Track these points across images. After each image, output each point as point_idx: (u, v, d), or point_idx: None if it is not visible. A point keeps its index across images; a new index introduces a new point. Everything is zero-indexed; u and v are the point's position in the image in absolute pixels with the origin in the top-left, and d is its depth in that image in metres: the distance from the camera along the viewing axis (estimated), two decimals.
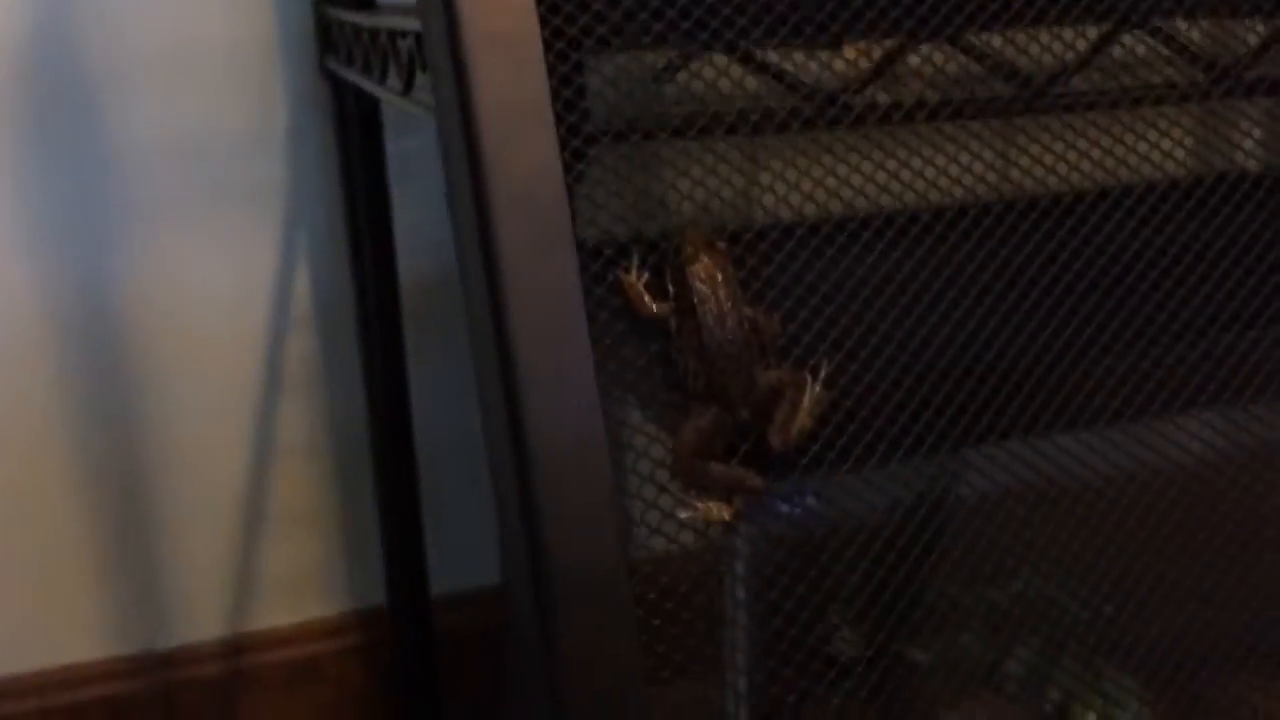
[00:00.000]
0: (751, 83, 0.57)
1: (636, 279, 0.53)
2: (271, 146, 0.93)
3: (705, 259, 0.52)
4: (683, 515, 0.51)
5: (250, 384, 0.98)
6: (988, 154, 0.59)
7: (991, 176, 0.60)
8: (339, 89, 0.90)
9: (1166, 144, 0.58)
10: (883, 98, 0.59)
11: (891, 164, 0.58)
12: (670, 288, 0.53)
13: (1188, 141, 0.61)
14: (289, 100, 0.93)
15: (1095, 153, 0.58)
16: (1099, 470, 0.56)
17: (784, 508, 0.53)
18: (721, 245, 0.54)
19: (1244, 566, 0.59)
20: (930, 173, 0.58)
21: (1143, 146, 0.58)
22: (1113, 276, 0.55)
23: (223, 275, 0.95)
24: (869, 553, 0.58)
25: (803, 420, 0.52)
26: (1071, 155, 0.58)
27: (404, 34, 0.62)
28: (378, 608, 1.03)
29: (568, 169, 0.43)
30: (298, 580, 1.03)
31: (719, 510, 0.51)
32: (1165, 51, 0.63)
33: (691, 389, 0.52)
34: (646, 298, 0.53)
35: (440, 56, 0.43)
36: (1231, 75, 0.61)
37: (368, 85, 0.76)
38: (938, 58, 0.59)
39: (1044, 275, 0.56)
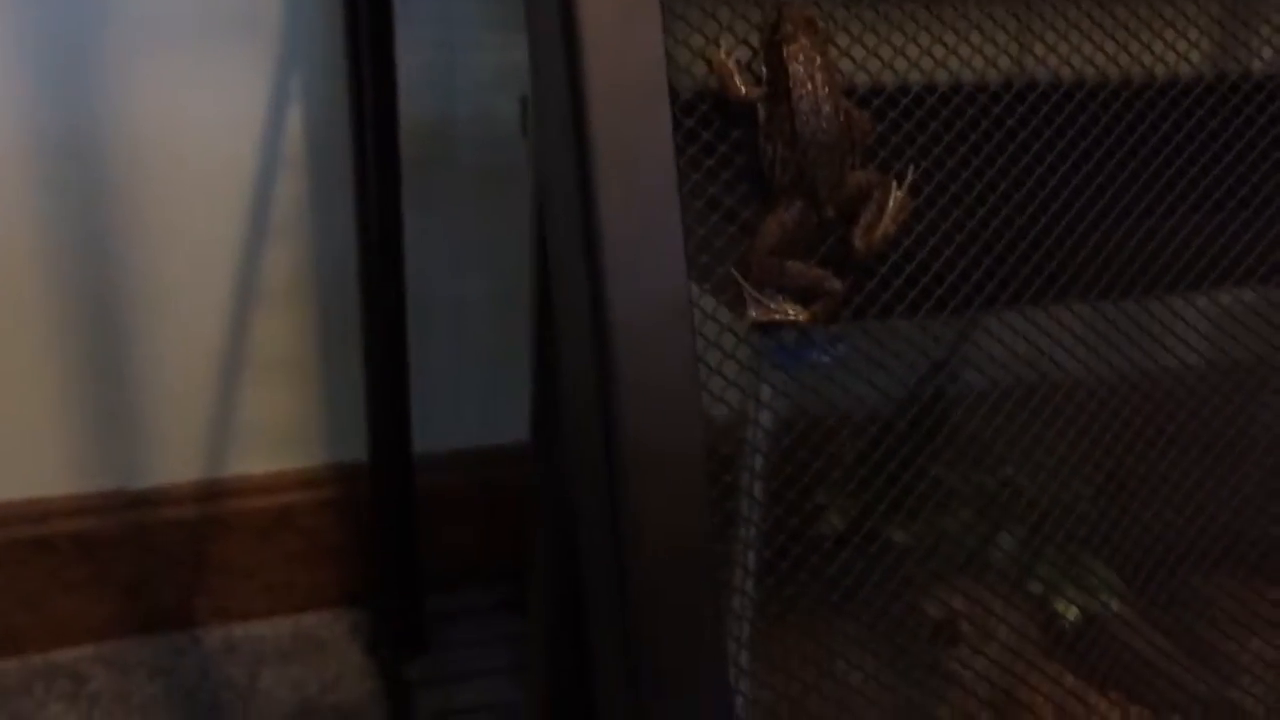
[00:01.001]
0: None
1: (728, 57, 0.51)
2: None
3: (804, 39, 0.50)
4: (753, 314, 0.50)
5: (236, 224, 1.00)
6: (1002, 36, 0.61)
7: (1008, 58, 0.61)
8: None
9: (1189, 37, 0.60)
10: None
11: (898, 41, 0.58)
12: (764, 69, 0.51)
13: (1204, 43, 0.63)
14: None
15: (1111, 45, 0.60)
16: (1101, 350, 0.60)
17: (815, 355, 0.54)
18: (822, 26, 0.52)
19: (1224, 469, 0.63)
20: (940, 51, 0.59)
21: (1163, 40, 0.60)
22: (1128, 160, 0.57)
23: (212, 107, 0.95)
24: (863, 435, 0.62)
25: (887, 225, 0.51)
26: (1087, 46, 0.59)
27: None
28: (357, 462, 1.07)
29: None
30: (276, 428, 1.06)
31: (794, 311, 0.50)
32: None
33: (777, 181, 0.50)
34: (738, 78, 0.51)
35: None
36: None
37: None
38: None
39: (1062, 155, 0.58)
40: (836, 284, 0.50)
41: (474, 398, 1.10)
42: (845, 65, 0.55)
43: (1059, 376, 0.62)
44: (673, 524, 0.40)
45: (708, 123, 0.50)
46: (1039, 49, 0.61)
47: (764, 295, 0.50)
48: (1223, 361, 0.64)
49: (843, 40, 0.55)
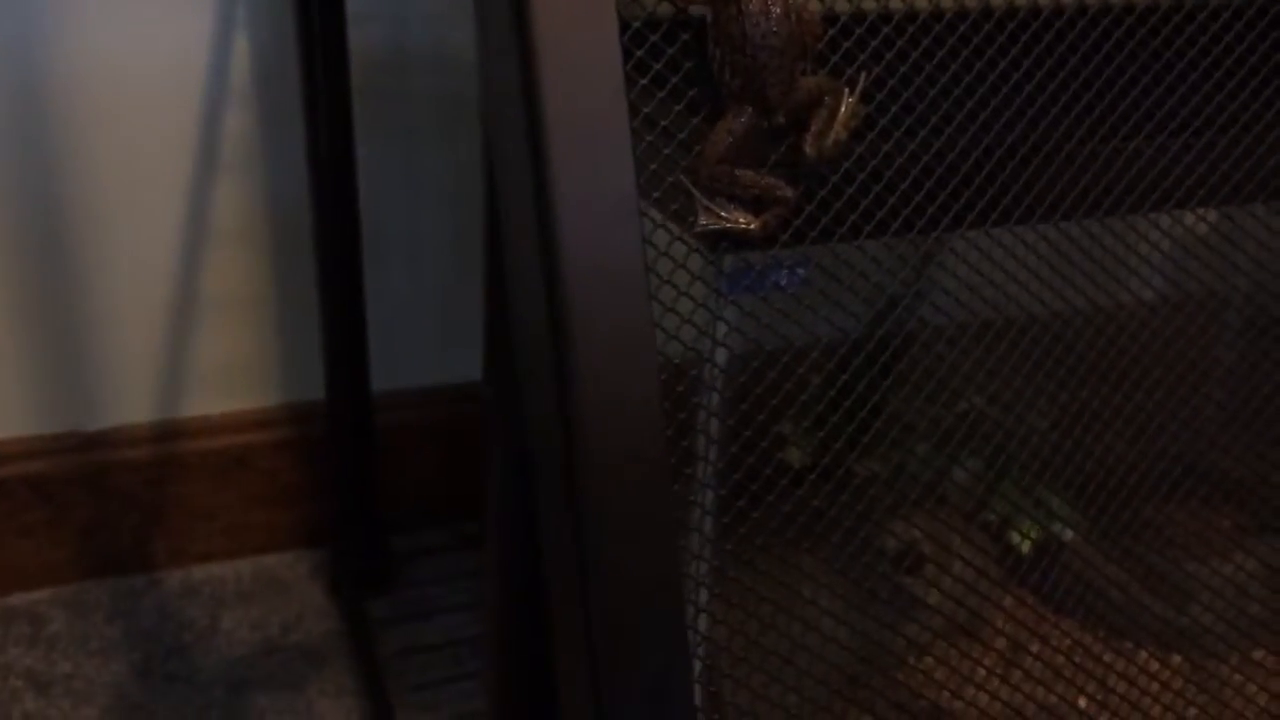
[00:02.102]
0: None
1: None
2: None
3: None
4: (704, 222, 0.50)
5: (184, 159, 0.99)
6: None
7: None
8: None
9: None
10: None
11: None
12: None
13: None
14: None
15: None
16: (1058, 284, 0.61)
17: (774, 277, 0.54)
18: None
19: (1177, 401, 0.66)
20: None
21: None
22: (1089, 84, 0.58)
23: (157, 36, 0.94)
24: (823, 369, 0.64)
25: (838, 131, 0.51)
26: None
27: None
28: (314, 401, 1.08)
29: None
30: (233, 368, 1.06)
31: (745, 219, 0.50)
32: None
33: (726, 86, 0.50)
34: None
35: None
36: None
37: None
38: None
39: (1023, 78, 0.58)
40: (788, 191, 0.50)
41: (432, 333, 1.11)
42: None
43: (1016, 312, 0.64)
44: (628, 458, 0.42)
45: (654, 26, 0.50)
46: None
47: (714, 203, 0.50)
48: (1177, 295, 0.66)
49: None
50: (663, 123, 0.46)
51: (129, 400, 1.04)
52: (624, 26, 0.40)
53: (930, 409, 0.74)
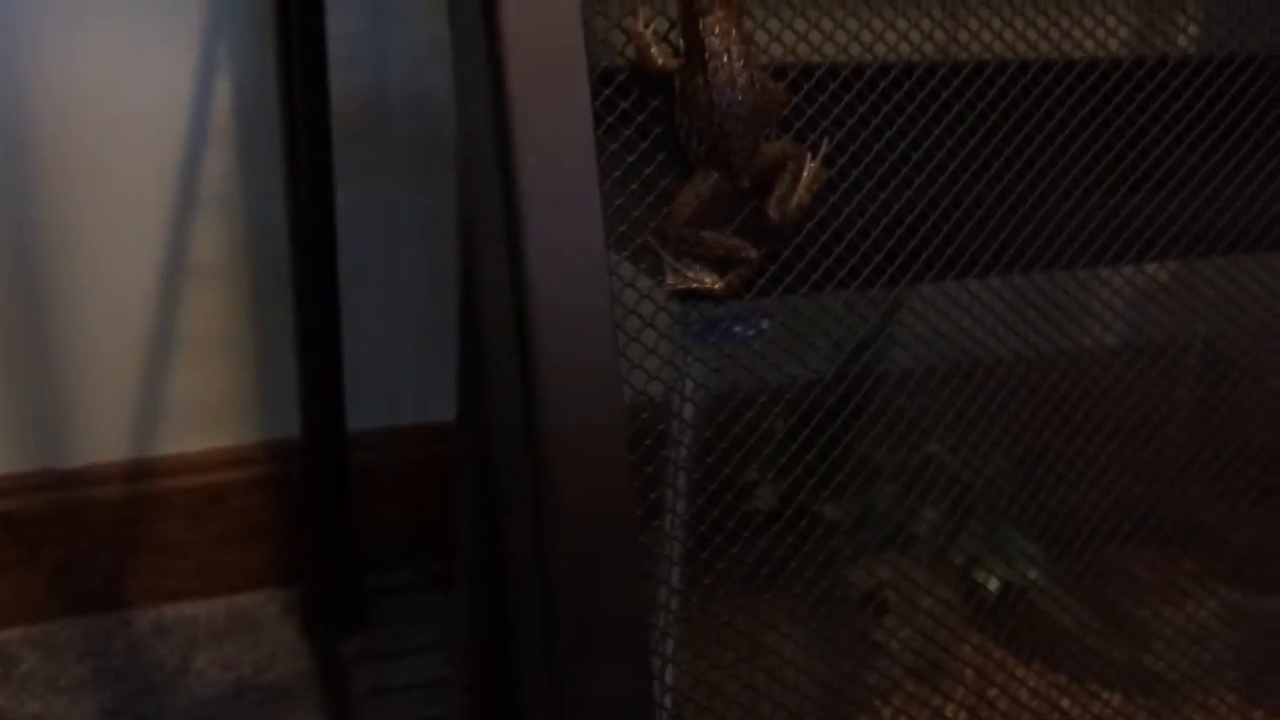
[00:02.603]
0: None
1: (645, 28, 0.53)
2: None
3: (720, 12, 0.52)
4: (670, 282, 0.52)
5: (166, 195, 1.01)
6: (933, 17, 0.64)
7: (938, 39, 0.64)
8: None
9: (1110, 21, 0.64)
10: None
11: (832, 20, 0.61)
12: (680, 41, 0.53)
13: (1127, 25, 0.67)
14: None
15: (1039, 25, 0.63)
16: (1023, 329, 0.63)
17: (738, 329, 0.56)
18: None
19: (1140, 445, 0.67)
20: (869, 36, 0.61)
21: (1087, 22, 0.63)
22: (1051, 140, 0.60)
23: (139, 74, 0.96)
24: (794, 411, 0.65)
25: (801, 195, 0.54)
26: (1017, 25, 0.62)
27: None
28: (289, 439, 1.09)
29: None
30: (208, 406, 1.07)
31: (711, 280, 0.53)
32: None
33: (693, 151, 0.53)
34: (654, 49, 0.53)
35: None
36: None
37: None
38: None
39: (987, 135, 0.61)
40: (752, 253, 0.53)
41: (407, 374, 1.12)
42: (775, 50, 0.58)
43: (982, 355, 0.66)
44: (594, 504, 0.43)
45: (625, 92, 0.53)
46: (969, 27, 0.64)
47: (681, 264, 0.53)
48: (1137, 341, 0.68)
49: (773, 23, 0.58)
50: (631, 186, 0.48)
51: (104, 438, 1.05)
52: (594, 91, 0.42)
53: (896, 453, 0.76)
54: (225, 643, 1.05)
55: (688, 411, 0.57)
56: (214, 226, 1.03)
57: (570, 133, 0.40)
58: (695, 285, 0.52)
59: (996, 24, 0.64)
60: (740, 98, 0.52)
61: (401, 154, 1.04)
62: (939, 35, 0.64)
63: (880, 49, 0.61)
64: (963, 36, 0.64)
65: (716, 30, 0.52)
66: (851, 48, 0.60)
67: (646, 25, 0.53)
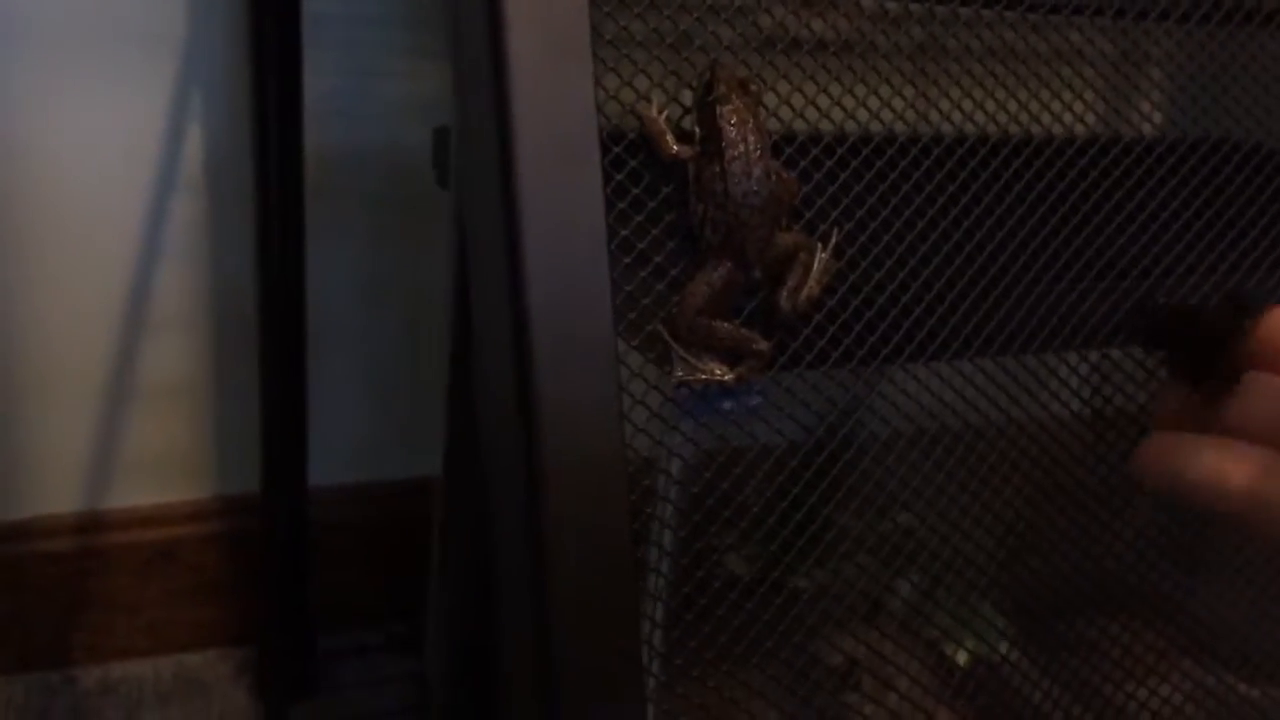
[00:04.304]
0: None
1: (659, 115, 0.52)
2: None
3: (737, 101, 0.52)
4: (679, 374, 0.52)
5: (129, 247, 1.01)
6: (907, 92, 0.66)
7: (910, 115, 0.66)
8: None
9: (1078, 106, 0.67)
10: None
11: (811, 90, 0.63)
12: (696, 129, 0.53)
13: (1094, 110, 0.70)
14: None
15: (1010, 104, 0.66)
16: (992, 403, 0.65)
17: (727, 405, 0.56)
18: (754, 87, 0.54)
19: (1110, 518, 0.69)
20: (849, 104, 0.63)
21: (1056, 105, 0.66)
22: (1021, 219, 0.63)
23: (107, 122, 0.96)
24: (768, 476, 0.66)
25: (812, 287, 0.54)
26: (988, 104, 0.65)
27: None
28: (246, 494, 1.08)
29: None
30: (164, 459, 1.07)
31: (720, 371, 0.52)
32: None
33: (707, 240, 0.52)
34: (669, 137, 0.52)
35: None
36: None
37: None
38: None
39: (960, 212, 0.63)
40: (763, 345, 0.53)
41: (373, 431, 1.12)
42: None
43: (954, 424, 0.68)
44: (592, 581, 0.43)
45: (637, 178, 0.53)
46: (940, 108, 0.66)
47: (690, 354, 0.52)
48: (1107, 413, 0.70)
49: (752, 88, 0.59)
50: (641, 274, 0.49)
51: (56, 489, 1.04)
52: (606, 177, 0.43)
53: (868, 521, 0.77)
54: (172, 704, 1.03)
55: (675, 466, 0.57)
56: (178, 276, 1.03)
57: (582, 220, 0.41)
58: (705, 376, 0.52)
59: (969, 104, 0.66)
60: (756, 188, 0.52)
61: (372, 212, 1.05)
62: (910, 114, 0.66)
63: (855, 121, 0.62)
64: (934, 117, 0.67)
65: (734, 119, 0.52)
66: (833, 114, 0.61)
67: (660, 112, 0.53)
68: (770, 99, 0.60)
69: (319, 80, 0.97)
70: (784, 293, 0.54)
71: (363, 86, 1.01)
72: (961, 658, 0.79)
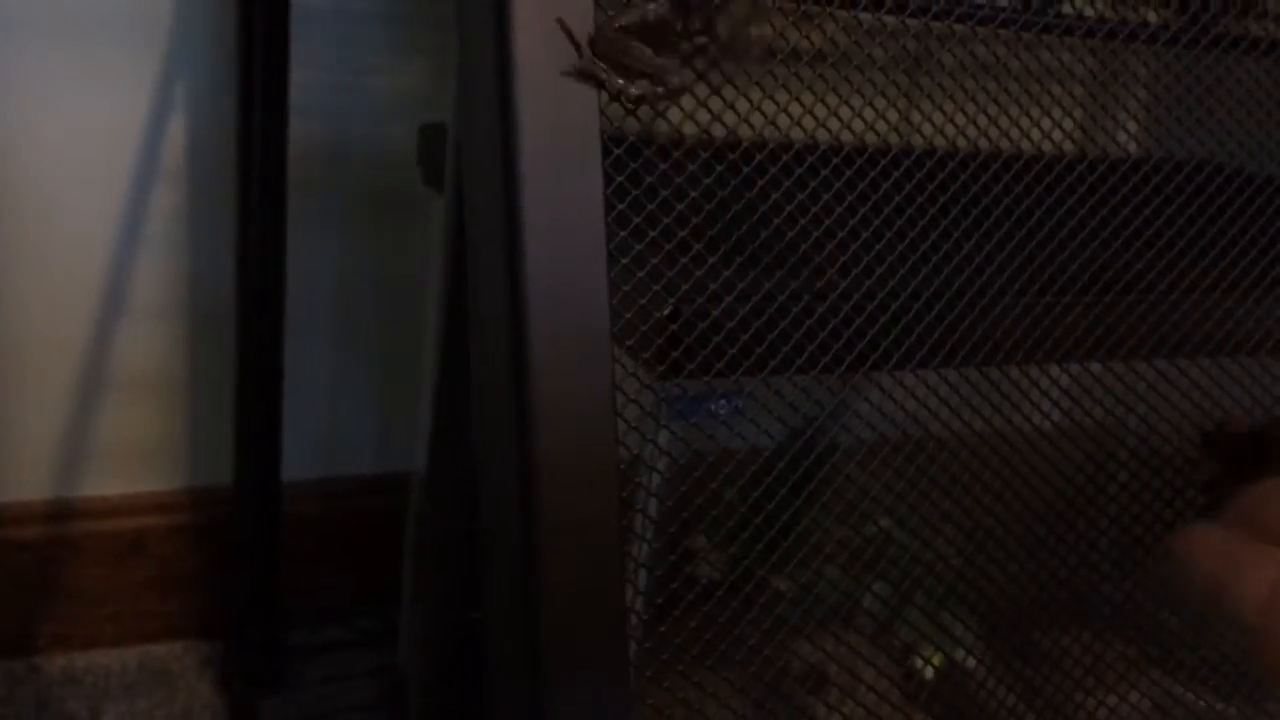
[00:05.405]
0: None
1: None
2: None
3: None
4: (618, 91, 0.45)
5: (107, 233, 1.00)
6: (889, 102, 0.67)
7: (891, 119, 0.67)
8: None
9: (1057, 115, 0.68)
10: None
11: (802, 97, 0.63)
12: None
13: (1073, 117, 0.71)
14: None
15: (988, 114, 0.67)
16: (966, 413, 0.66)
17: (714, 407, 0.57)
18: None
19: (1078, 529, 0.71)
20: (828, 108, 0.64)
21: (1041, 123, 0.67)
22: (998, 230, 0.64)
23: (88, 111, 0.96)
24: (744, 478, 0.67)
25: (764, 21, 0.47)
26: (966, 113, 0.66)
27: None
28: (216, 486, 1.08)
29: None
30: (136, 448, 1.06)
31: (636, 87, 0.46)
32: None
33: None
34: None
35: None
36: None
37: None
38: None
39: (936, 220, 0.64)
40: (682, 78, 0.47)
41: (348, 426, 1.12)
42: (729, 119, 0.59)
43: (922, 434, 0.69)
44: (585, 584, 0.44)
45: (637, 180, 0.53)
46: (921, 109, 0.68)
47: (601, 70, 0.45)
48: (1075, 428, 0.72)
49: (729, 92, 0.60)
50: (638, 275, 0.49)
51: (24, 476, 1.04)
52: (607, 178, 0.43)
53: (840, 530, 0.78)
54: (138, 695, 1.03)
55: (654, 481, 0.58)
56: (157, 264, 1.03)
57: (582, 219, 0.42)
58: (639, 93, 0.45)
59: (948, 108, 0.67)
60: None
61: (352, 206, 1.06)
62: (891, 116, 0.67)
63: (833, 126, 0.63)
64: (915, 118, 0.68)
65: None
66: (805, 122, 0.62)
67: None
68: (769, 107, 0.61)
69: (304, 72, 0.97)
70: (726, 20, 0.47)
71: (347, 80, 1.02)
72: (929, 665, 0.80)
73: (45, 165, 0.97)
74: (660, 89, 0.47)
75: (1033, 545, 0.71)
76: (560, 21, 0.44)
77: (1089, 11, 0.65)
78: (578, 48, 0.45)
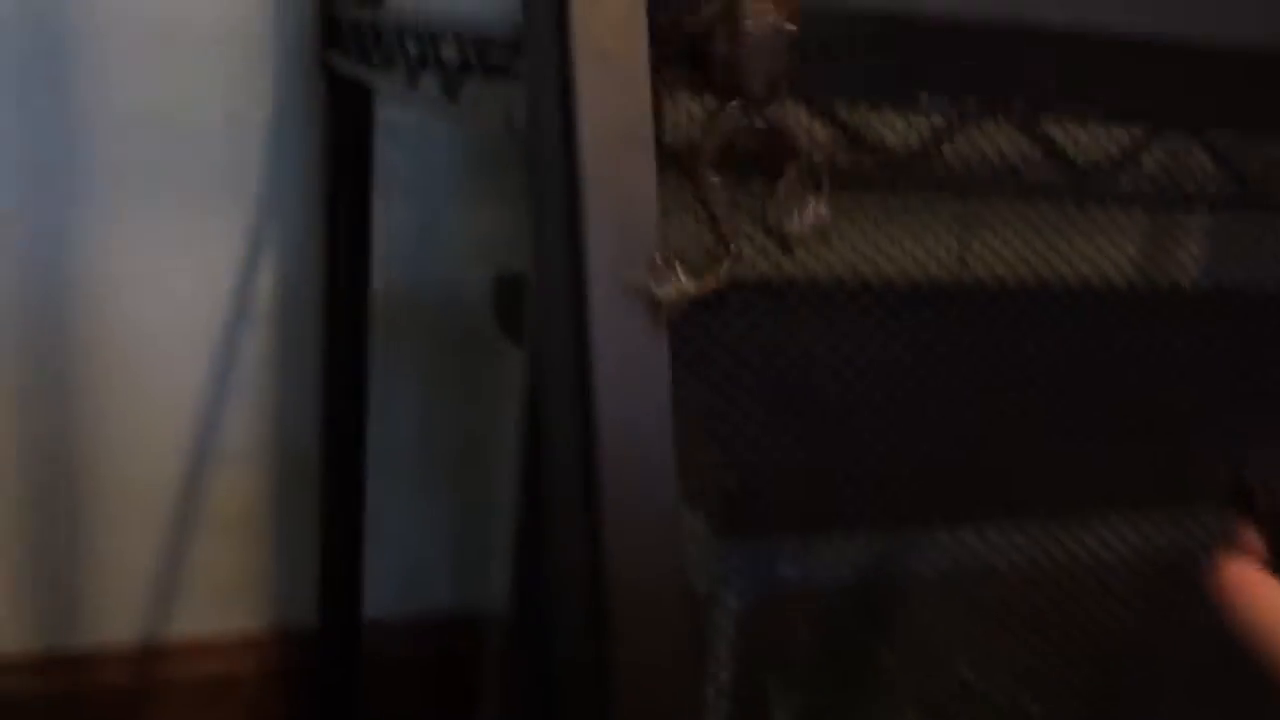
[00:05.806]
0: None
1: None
2: (252, 133, 0.98)
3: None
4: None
5: (198, 380, 1.03)
6: (945, 238, 0.66)
7: (946, 257, 0.66)
8: (335, 84, 0.96)
9: (1113, 251, 0.67)
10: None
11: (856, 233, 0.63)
12: None
13: (1130, 250, 0.70)
14: (279, 88, 0.98)
15: (1046, 250, 0.66)
16: (1031, 564, 0.65)
17: (784, 569, 0.57)
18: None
19: (1159, 672, 0.68)
20: (886, 248, 0.63)
21: (1091, 249, 0.66)
22: (1056, 371, 0.62)
23: (182, 261, 1.00)
24: (819, 626, 0.66)
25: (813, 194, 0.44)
26: (1026, 249, 0.65)
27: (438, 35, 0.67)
28: (304, 628, 1.09)
29: None
30: (223, 591, 1.08)
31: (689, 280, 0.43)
32: None
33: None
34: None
35: (541, 69, 0.44)
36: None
37: (383, 85, 0.82)
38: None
39: (994, 364, 0.63)
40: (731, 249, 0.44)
41: (429, 566, 1.13)
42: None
43: (1010, 578, 0.67)
44: None
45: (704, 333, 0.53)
46: (974, 249, 0.67)
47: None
48: (1159, 563, 0.70)
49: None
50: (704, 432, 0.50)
51: (115, 619, 1.05)
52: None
53: (919, 674, 0.76)
54: None
55: (733, 606, 0.58)
56: (245, 408, 1.05)
57: (649, 376, 0.42)
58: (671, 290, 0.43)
59: (1001, 243, 0.66)
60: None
61: (436, 351, 1.08)
62: (946, 253, 0.66)
63: (888, 267, 0.62)
64: (969, 257, 0.67)
65: None
66: (859, 264, 0.61)
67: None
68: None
69: (386, 223, 1.01)
70: (772, 206, 0.44)
71: (430, 231, 1.05)
72: None
73: (140, 310, 1.00)
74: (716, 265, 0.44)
75: (1111, 692, 0.68)
76: (627, 282, 0.43)
77: (1142, 184, 0.63)
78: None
